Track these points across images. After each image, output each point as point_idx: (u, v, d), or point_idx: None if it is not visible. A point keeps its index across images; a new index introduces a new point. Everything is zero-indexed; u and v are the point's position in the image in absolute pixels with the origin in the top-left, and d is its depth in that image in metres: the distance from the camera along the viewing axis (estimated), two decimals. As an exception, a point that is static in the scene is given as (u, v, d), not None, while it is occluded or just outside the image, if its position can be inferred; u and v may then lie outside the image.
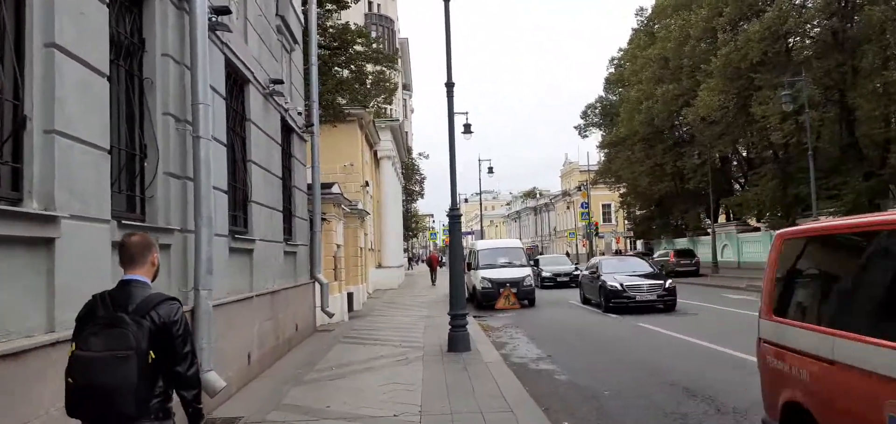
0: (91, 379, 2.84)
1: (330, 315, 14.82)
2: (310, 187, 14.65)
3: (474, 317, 17.02)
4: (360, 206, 21.51)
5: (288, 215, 13.09)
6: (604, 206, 75.13)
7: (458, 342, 10.95)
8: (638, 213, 54.48)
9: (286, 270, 12.23)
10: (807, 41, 30.55)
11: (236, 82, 9.65)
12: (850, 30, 26.91)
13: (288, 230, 12.99)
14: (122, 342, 2.86)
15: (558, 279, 28.37)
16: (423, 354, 10.87)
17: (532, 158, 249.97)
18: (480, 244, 24.50)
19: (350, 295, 20.12)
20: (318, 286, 14.71)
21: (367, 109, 24.79)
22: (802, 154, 32.43)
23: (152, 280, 3.24)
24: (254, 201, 10.05)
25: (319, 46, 19.75)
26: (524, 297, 21.06)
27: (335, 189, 16.53)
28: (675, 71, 37.87)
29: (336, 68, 19.12)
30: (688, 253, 36.98)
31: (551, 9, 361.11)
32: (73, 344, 2.95)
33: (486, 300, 20.69)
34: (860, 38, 27.03)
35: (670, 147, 41.65)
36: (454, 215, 11.42)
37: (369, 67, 21.83)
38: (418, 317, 17.78)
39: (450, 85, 11.42)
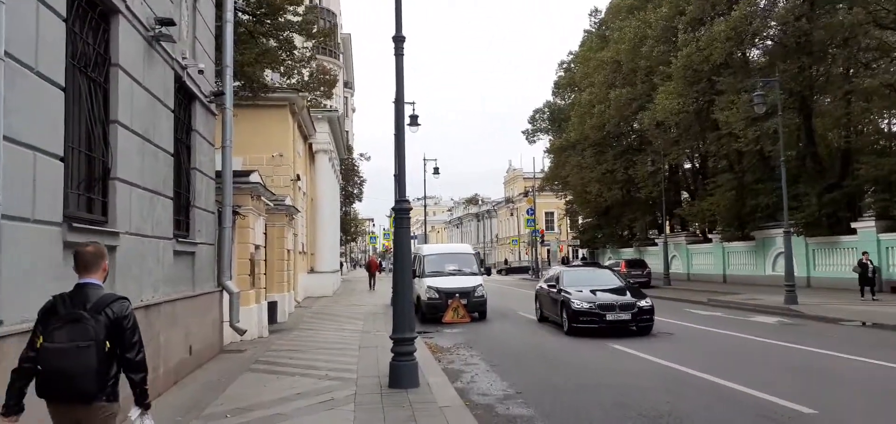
0: (58, 365, 3.44)
1: (241, 333, 11.90)
2: (220, 174, 11.71)
3: (419, 333, 14.45)
4: (287, 201, 18.57)
5: (184, 204, 10.16)
6: (547, 214, 73.78)
7: (402, 374, 8.30)
8: (583, 221, 53.02)
9: (177, 275, 9.31)
10: (768, 44, 29.29)
11: (93, 5, 6.74)
12: (816, 33, 25.69)
13: (183, 224, 10.06)
14: (84, 335, 3.47)
15: (608, 318, 14.17)
16: (356, 391, 8.16)
17: (475, 165, 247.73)
18: (427, 249, 21.84)
19: (273, 305, 17.23)
20: (226, 295, 11.81)
21: (300, 94, 21.81)
22: (758, 165, 31.31)
23: (103, 282, 3.80)
24: (120, 179, 7.15)
25: (243, 12, 16.79)
26: (475, 309, 18.55)
27: (254, 178, 13.59)
28: (629, 75, 36.35)
29: (262, 37, 16.12)
30: (639, 264, 35.33)
31: (496, 15, 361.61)
32: (40, 338, 3.51)
33: (431, 312, 18.07)
34: (825, 42, 25.89)
35: (621, 153, 40.10)
36: (401, 209, 8.77)
37: (299, 41, 18.83)
38: (353, 333, 15.03)
39: (399, 39, 8.78)
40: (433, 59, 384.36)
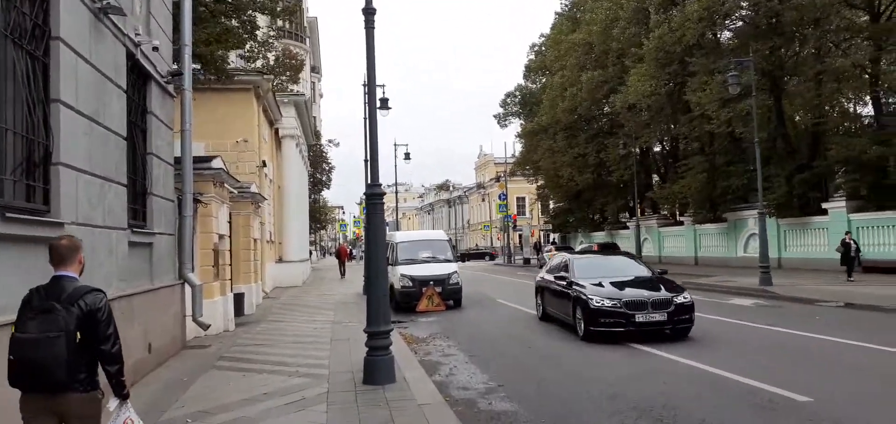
0: (28, 355, 3.49)
1: (205, 327, 11.24)
2: (179, 160, 11.00)
3: (393, 323, 13.99)
4: (253, 188, 17.85)
5: (140, 192, 9.48)
6: (519, 199, 73.65)
7: (377, 370, 7.80)
8: (555, 206, 52.96)
9: (133, 268, 8.67)
10: (739, 25, 29.21)
11: (25, -30, 6.05)
12: (787, 14, 25.67)
13: (139, 213, 9.40)
14: (54, 326, 3.50)
15: (637, 319, 11.10)
16: (329, 389, 7.64)
17: (445, 150, 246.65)
18: (399, 236, 21.24)
19: (239, 297, 16.58)
20: (188, 288, 11.16)
21: (266, 76, 21.02)
22: (729, 147, 31.40)
23: (79, 275, 3.84)
24: (64, 164, 6.50)
25: (202, -11, 15.93)
26: (450, 297, 18.11)
27: (216, 164, 12.89)
28: (601, 57, 36.16)
29: (223, 17, 15.30)
30: (612, 247, 34.88)
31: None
32: (14, 328, 3.58)
33: (405, 300, 17.58)
34: (796, 22, 25.88)
35: (593, 137, 39.94)
36: (374, 195, 8.23)
37: (263, 21, 18.02)
38: (324, 324, 14.48)
39: (369, 11, 8.22)
40: (403, 6, 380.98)
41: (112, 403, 3.79)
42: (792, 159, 27.65)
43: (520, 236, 56.07)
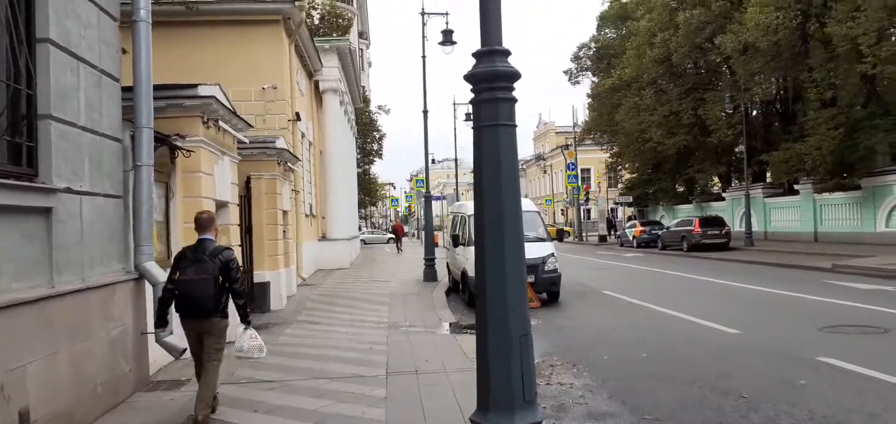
0: (189, 291, 5.22)
1: (176, 353, 6.64)
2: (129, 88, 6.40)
3: (466, 329, 9.31)
4: (279, 144, 13.25)
5: (21, 116, 4.86)
6: (583, 170, 67.64)
7: None
8: (630, 176, 47.02)
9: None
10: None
11: None
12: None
13: (18, 151, 4.81)
14: (205, 271, 5.22)
15: None
16: None
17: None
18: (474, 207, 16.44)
19: (263, 287, 12.25)
20: (149, 286, 6.62)
21: (297, 3, 16.34)
22: (865, 98, 25.29)
23: (215, 237, 5.58)
24: None
25: None
26: (545, 288, 13.25)
27: (206, 91, 8.17)
28: (701, -7, 30.20)
29: None
30: (716, 221, 29.60)
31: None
32: (177, 273, 5.29)
33: (485, 295, 12.77)
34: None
35: (688, 91, 33.87)
36: (497, 74, 3.34)
37: None
38: (375, 329, 9.93)
39: None
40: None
41: (240, 327, 5.50)
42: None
43: (595, 210, 50.13)
